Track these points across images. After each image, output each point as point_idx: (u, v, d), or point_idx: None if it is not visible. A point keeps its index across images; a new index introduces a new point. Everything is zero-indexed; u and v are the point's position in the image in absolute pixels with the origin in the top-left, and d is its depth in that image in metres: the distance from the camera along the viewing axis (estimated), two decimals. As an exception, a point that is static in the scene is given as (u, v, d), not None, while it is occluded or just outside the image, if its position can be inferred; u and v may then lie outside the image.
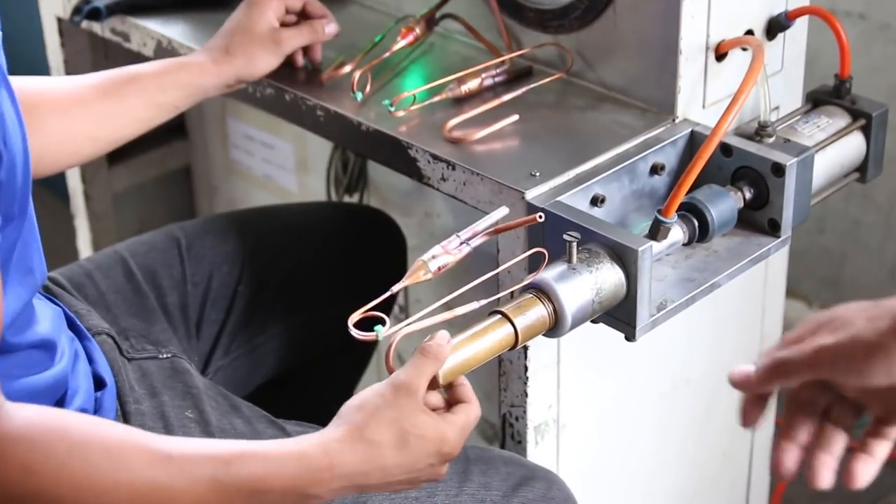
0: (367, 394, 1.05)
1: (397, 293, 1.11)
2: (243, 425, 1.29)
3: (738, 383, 0.95)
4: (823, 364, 0.90)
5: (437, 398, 1.09)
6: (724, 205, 1.27)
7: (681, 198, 1.22)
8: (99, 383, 1.23)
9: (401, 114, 1.39)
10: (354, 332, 1.04)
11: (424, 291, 1.84)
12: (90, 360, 1.23)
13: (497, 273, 1.19)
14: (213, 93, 1.42)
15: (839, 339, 0.88)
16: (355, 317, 1.05)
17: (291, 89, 1.47)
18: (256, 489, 0.99)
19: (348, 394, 1.78)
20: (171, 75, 1.38)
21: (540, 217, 1.12)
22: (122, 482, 0.96)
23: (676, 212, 1.23)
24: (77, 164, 1.39)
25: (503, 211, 1.16)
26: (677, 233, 1.26)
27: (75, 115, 1.33)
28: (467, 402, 1.09)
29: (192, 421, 1.27)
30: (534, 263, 1.18)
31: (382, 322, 1.05)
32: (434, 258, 1.11)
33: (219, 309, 1.51)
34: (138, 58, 1.59)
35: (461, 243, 1.13)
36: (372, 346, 1.72)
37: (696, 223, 1.27)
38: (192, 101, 1.41)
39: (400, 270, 1.67)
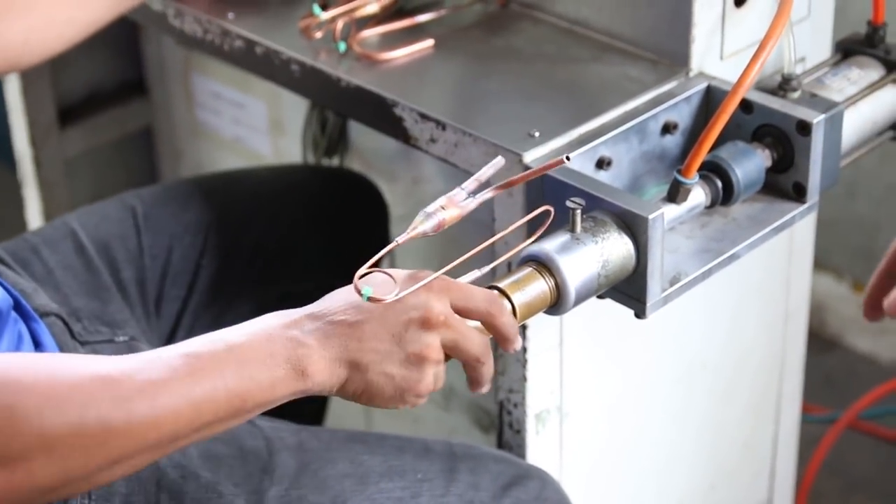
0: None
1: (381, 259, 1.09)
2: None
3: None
4: None
5: None
6: (750, 163, 1.27)
7: (703, 155, 1.22)
8: None
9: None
10: (359, 285, 1.01)
11: (411, 266, 1.82)
12: (37, 344, 1.23)
13: (493, 242, 1.17)
14: None
15: None
16: (362, 271, 1.02)
17: (263, 41, 1.46)
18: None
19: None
20: None
21: (567, 158, 1.10)
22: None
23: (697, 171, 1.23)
24: (60, 51, 1.45)
25: (499, 162, 1.13)
26: (699, 194, 1.26)
27: None
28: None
29: None
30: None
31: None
32: (443, 209, 1.08)
33: (180, 284, 1.51)
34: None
35: (468, 196, 1.10)
36: None
37: (720, 183, 1.27)
38: None
39: (382, 240, 1.68)
